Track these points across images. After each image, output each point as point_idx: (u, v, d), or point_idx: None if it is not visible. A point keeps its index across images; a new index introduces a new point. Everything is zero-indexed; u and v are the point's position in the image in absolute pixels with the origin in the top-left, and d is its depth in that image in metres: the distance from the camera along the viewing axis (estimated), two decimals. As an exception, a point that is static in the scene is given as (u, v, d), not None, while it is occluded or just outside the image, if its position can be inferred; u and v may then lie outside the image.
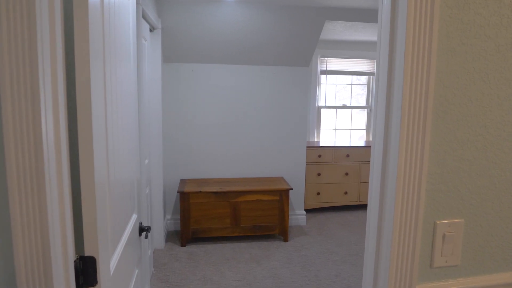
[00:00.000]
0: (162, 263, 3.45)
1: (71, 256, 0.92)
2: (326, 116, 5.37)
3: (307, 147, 4.69)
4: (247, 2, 3.51)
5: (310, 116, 5.24)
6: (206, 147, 4.24)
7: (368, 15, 3.73)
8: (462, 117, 0.96)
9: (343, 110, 5.41)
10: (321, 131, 5.37)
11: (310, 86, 5.15)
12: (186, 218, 3.78)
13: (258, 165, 4.36)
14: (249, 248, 3.80)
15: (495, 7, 0.93)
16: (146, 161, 3.18)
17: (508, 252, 1.05)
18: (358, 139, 5.50)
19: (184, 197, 3.76)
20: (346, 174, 4.86)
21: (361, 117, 5.48)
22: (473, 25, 0.93)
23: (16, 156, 0.77)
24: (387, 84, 0.96)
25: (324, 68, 5.21)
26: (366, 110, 5.45)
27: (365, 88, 5.44)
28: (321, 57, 5.16)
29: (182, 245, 3.81)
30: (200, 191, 3.76)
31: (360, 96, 5.45)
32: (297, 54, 4.07)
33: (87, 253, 1.00)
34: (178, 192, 3.76)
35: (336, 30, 4.25)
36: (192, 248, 3.77)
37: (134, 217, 1.66)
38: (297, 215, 4.49)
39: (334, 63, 5.22)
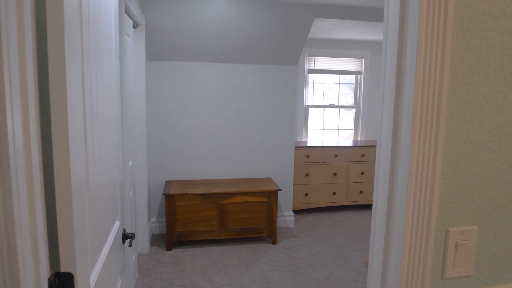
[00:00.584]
0: (147, 268, 3.32)
1: (45, 274, 0.81)
2: (313, 115, 5.31)
3: (295, 147, 4.62)
4: (234, -1, 3.41)
5: (298, 115, 5.17)
6: (192, 147, 4.12)
7: (357, 13, 3.68)
8: (476, 116, 0.89)
9: (330, 109, 5.35)
10: (308, 131, 5.31)
11: (298, 85, 5.07)
12: (171, 221, 3.66)
13: (246, 165, 4.27)
14: (237, 251, 3.70)
15: (511, -4, 0.86)
16: (130, 163, 3.05)
17: (522, 260, 0.98)
18: (345, 139, 5.46)
19: (170, 199, 3.64)
20: (335, 174, 4.81)
21: (348, 116, 5.44)
22: (488, 16, 0.86)
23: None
24: (395, 80, 0.88)
25: (311, 67, 5.14)
26: (353, 109, 5.41)
27: (353, 87, 5.40)
28: (308, 56, 5.09)
29: (168, 249, 3.68)
30: (186, 193, 3.65)
31: (345, 96, 5.41)
32: (285, 52, 3.99)
33: (63, 268, 0.89)
34: (163, 194, 3.64)
35: (324, 28, 4.19)
36: (178, 252, 3.65)
37: (117, 223, 1.55)
38: (285, 217, 4.41)
39: (322, 62, 5.17)
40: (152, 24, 3.49)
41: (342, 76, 5.32)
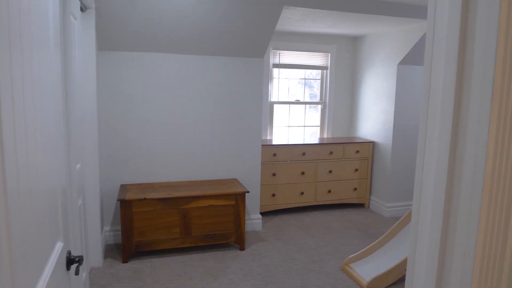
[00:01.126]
0: (101, 285, 2.92)
1: None
2: (278, 112, 5.08)
3: (261, 145, 4.36)
4: (196, -18, 3.08)
5: (263, 112, 4.91)
6: (150, 147, 3.74)
7: (329, 2, 3.47)
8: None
9: (296, 106, 5.15)
10: (274, 128, 5.07)
11: (263, 80, 4.82)
12: (128, 229, 3.27)
13: (210, 166, 3.94)
14: (202, 260, 3.38)
15: None
16: (78, 166, 2.63)
17: None
18: (310, 136, 5.28)
19: (126, 205, 3.25)
20: (302, 173, 4.60)
21: (314, 113, 5.26)
22: None
23: None
24: (456, 73, 0.63)
25: (276, 61, 4.90)
26: (319, 106, 5.24)
27: (319, 82, 5.22)
28: (273, 49, 4.85)
29: (124, 261, 3.29)
30: (144, 198, 3.27)
31: (311, 90, 5.23)
32: (251, 43, 3.71)
33: None
34: (118, 200, 3.24)
35: (291, 19, 3.95)
36: (136, 264, 3.27)
37: (59, 246, 1.20)
38: (253, 220, 4.13)
39: (287, 56, 4.94)
40: (103, 8, 3.08)
41: (308, 71, 5.13)
